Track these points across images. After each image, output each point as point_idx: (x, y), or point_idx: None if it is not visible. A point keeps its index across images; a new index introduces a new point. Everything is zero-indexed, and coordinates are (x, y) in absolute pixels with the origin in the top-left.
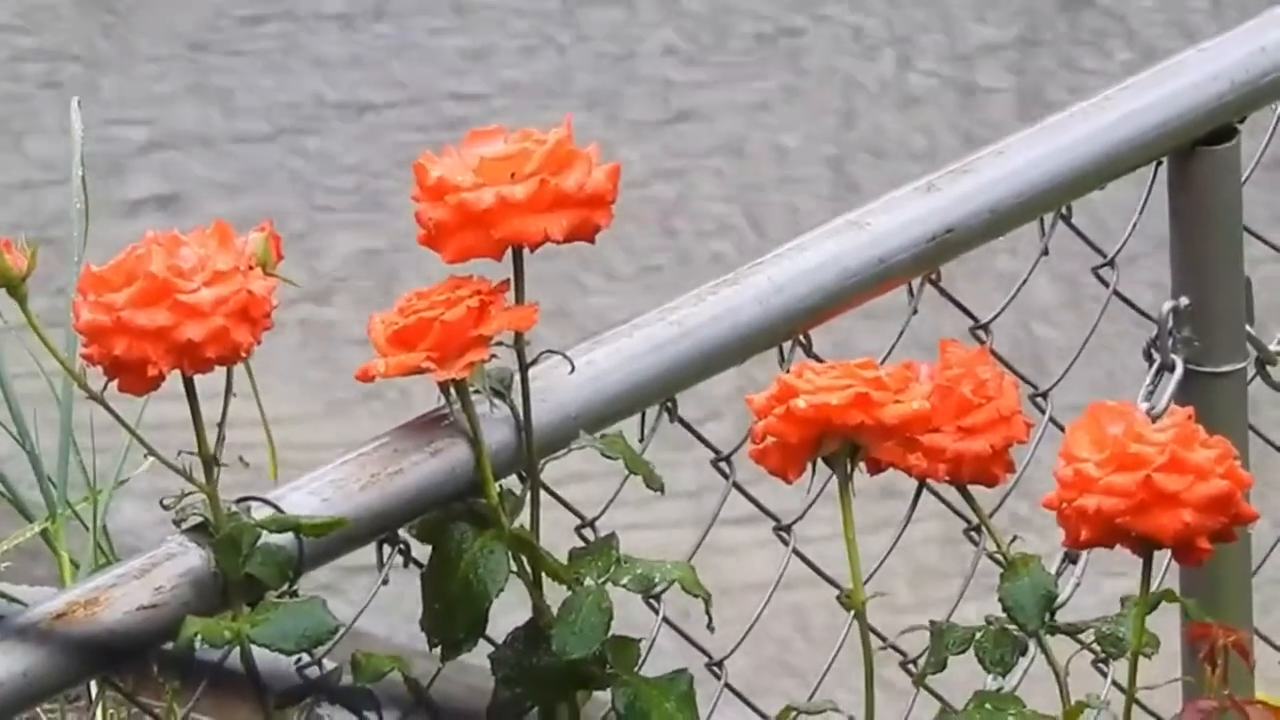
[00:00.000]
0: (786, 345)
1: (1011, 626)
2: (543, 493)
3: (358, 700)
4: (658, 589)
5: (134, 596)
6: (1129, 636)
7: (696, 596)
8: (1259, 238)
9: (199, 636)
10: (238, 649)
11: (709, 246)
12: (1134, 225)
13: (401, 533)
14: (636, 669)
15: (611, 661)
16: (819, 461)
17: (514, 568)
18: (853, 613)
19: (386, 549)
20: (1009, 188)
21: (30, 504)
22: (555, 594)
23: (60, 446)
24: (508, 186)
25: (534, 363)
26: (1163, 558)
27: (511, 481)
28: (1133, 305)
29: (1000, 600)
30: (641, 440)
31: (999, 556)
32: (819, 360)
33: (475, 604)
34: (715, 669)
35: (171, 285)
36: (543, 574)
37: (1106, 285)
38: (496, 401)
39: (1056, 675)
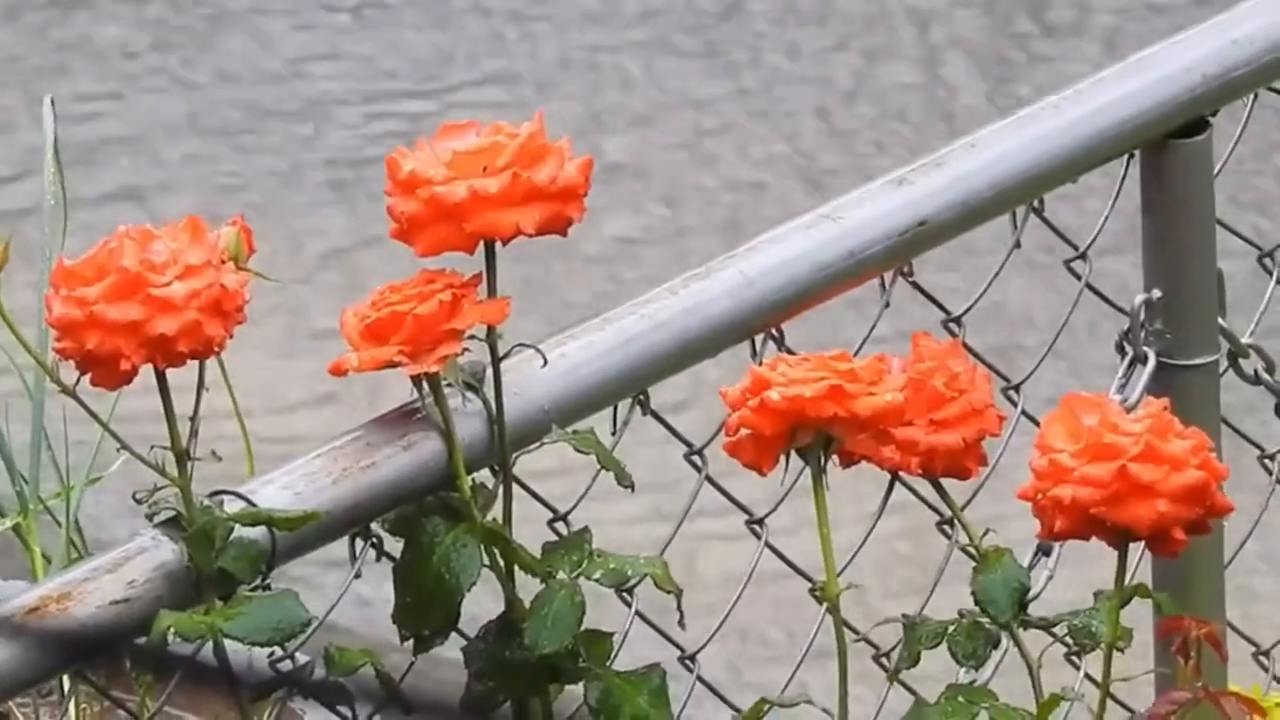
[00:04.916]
0: (759, 339)
1: (984, 620)
2: (515, 486)
3: (331, 694)
4: (630, 583)
5: (106, 591)
6: (1101, 629)
7: (669, 592)
8: (1231, 230)
9: (172, 630)
10: (211, 643)
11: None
12: (1105, 218)
13: (374, 526)
14: (609, 663)
15: (584, 656)
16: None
17: (486, 561)
18: (825, 605)
19: (359, 543)
20: (981, 180)
21: (2, 499)
22: (528, 588)
23: (32, 441)
24: (480, 180)
25: (506, 356)
26: (1135, 552)
27: (484, 475)
28: (1104, 298)
29: (973, 594)
30: (614, 433)
31: (972, 550)
32: (791, 354)
33: (448, 598)
34: (688, 663)
35: (144, 279)
36: (515, 568)
37: (1079, 278)
38: (469, 395)
39: (1029, 668)
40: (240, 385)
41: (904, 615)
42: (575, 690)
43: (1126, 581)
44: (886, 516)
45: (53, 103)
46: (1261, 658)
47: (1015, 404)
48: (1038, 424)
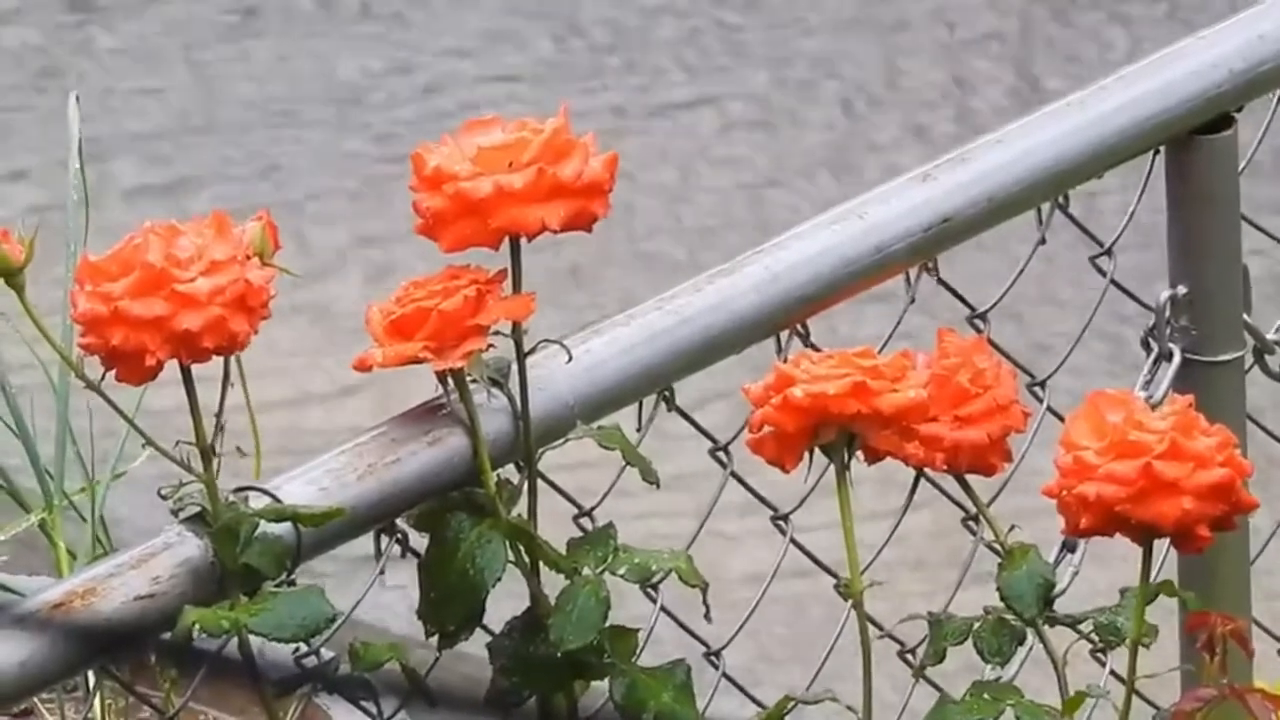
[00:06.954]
0: (784, 335)
1: (1009, 616)
2: (540, 482)
3: (355, 689)
4: (655, 579)
5: (132, 586)
6: (1127, 626)
7: (694, 587)
8: (1257, 227)
9: (197, 626)
10: (235, 638)
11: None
12: (1131, 214)
13: (399, 522)
14: (634, 659)
15: (609, 651)
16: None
17: (511, 557)
18: (850, 602)
19: (384, 539)
20: (1006, 176)
21: (28, 494)
22: (553, 584)
23: (57, 436)
24: (505, 176)
25: (531, 352)
26: (1161, 548)
27: (509, 471)
28: (1130, 294)
29: (998, 589)
30: (639, 429)
31: (997, 546)
32: (816, 349)
33: (473, 593)
34: (713, 659)
35: (169, 275)
36: (540, 563)
37: (1104, 274)
38: (494, 391)
39: (1055, 665)
40: (266, 380)
41: (929, 612)
42: (600, 686)
43: (1152, 578)
44: (915, 511)
45: (78, 99)
46: None
47: (1040, 400)
48: (1063, 420)
